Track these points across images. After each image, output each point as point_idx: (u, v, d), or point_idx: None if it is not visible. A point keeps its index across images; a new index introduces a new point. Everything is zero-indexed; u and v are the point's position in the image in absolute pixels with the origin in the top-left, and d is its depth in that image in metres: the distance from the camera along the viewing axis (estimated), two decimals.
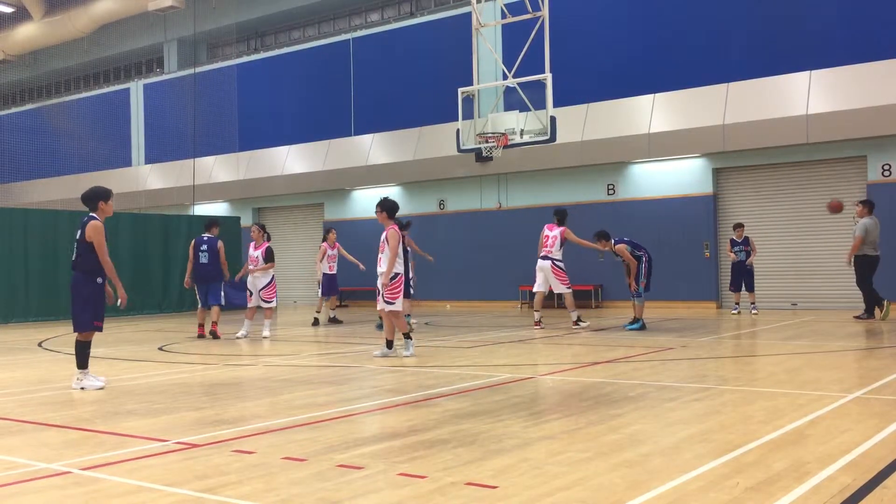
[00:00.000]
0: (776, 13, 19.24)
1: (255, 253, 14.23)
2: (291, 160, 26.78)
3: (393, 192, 25.10)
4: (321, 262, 16.85)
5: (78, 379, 8.22)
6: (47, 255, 20.18)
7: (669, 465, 4.73)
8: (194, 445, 5.44)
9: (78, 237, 8.42)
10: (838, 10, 18.53)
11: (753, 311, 17.11)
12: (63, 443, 5.66)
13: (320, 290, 16.91)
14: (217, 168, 28.75)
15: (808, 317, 16.33)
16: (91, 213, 8.56)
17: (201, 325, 14.16)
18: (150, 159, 32.05)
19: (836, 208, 15.44)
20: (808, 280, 18.92)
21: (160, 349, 12.54)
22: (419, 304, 22.86)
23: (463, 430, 5.74)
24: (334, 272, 16.96)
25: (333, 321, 17.08)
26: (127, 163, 32.78)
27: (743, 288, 17.25)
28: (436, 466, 4.74)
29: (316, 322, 16.71)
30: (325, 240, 17.20)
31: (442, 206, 24.02)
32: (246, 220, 27.84)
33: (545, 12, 16.16)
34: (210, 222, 14.65)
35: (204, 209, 28.69)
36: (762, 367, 9.09)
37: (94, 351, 12.28)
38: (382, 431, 5.94)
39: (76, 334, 8.42)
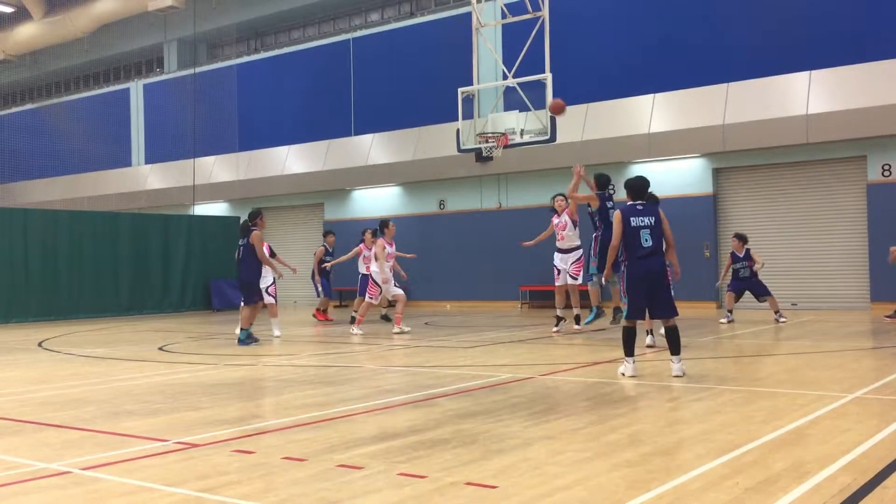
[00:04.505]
0: (776, 13, 19.23)
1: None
2: (291, 160, 26.78)
3: (393, 192, 25.12)
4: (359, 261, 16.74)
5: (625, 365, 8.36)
6: (47, 255, 20.19)
7: (669, 465, 4.73)
8: (194, 445, 5.44)
9: (653, 223, 8.25)
10: (838, 10, 18.53)
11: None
12: (63, 443, 5.66)
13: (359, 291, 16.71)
14: (217, 168, 28.75)
15: (808, 317, 16.33)
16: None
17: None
18: (150, 159, 32.04)
19: (557, 108, 14.72)
20: (808, 280, 18.92)
21: (160, 349, 12.54)
22: (419, 304, 22.88)
23: (463, 430, 5.74)
24: (369, 273, 16.60)
25: (385, 319, 17.19)
26: (127, 163, 32.78)
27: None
28: (436, 466, 4.74)
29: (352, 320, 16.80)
30: (361, 241, 16.91)
31: (442, 206, 24.02)
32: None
33: (545, 12, 16.15)
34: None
35: (204, 209, 28.70)
36: (762, 367, 9.09)
37: (94, 350, 12.32)
38: (382, 431, 5.93)
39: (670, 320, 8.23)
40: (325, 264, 17.52)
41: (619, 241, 8.27)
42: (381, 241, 14.24)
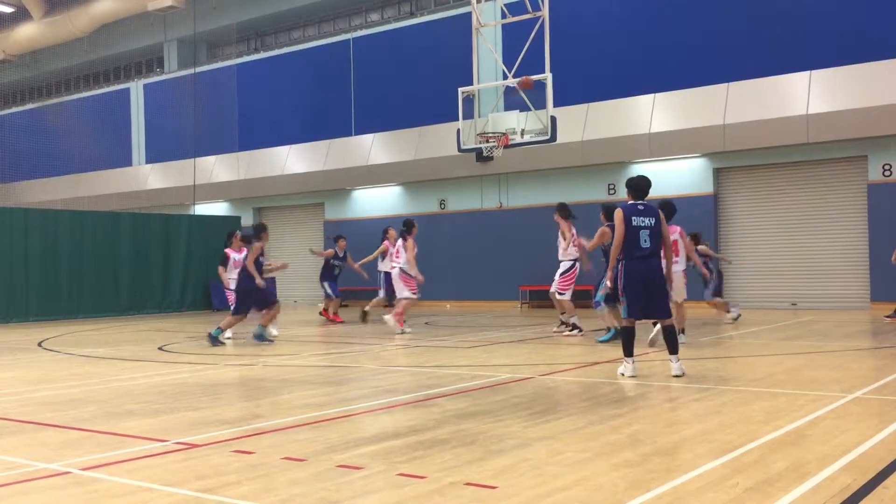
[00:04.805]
0: (776, 13, 19.24)
1: (240, 256, 14.41)
2: (291, 160, 26.78)
3: (393, 192, 25.12)
4: (383, 260, 16.62)
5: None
6: (47, 255, 20.19)
7: (669, 465, 4.73)
8: (194, 445, 5.44)
9: (653, 224, 8.23)
10: (838, 10, 18.53)
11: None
12: (63, 443, 5.66)
13: (383, 290, 16.55)
14: (217, 168, 28.75)
15: (808, 317, 16.33)
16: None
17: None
18: (150, 159, 32.06)
19: (527, 84, 15.46)
20: (808, 280, 18.92)
21: (160, 349, 12.54)
22: (419, 304, 22.85)
23: (463, 430, 5.74)
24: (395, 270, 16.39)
25: (365, 317, 17.19)
26: (127, 163, 32.78)
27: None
28: (436, 466, 4.74)
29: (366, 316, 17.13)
30: (386, 237, 16.78)
31: (442, 206, 24.02)
32: (246, 221, 27.84)
33: (545, 12, 16.15)
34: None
35: (204, 209, 28.71)
36: (762, 367, 9.08)
37: (94, 350, 12.33)
38: (382, 431, 5.93)
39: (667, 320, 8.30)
40: (336, 267, 17.46)
41: (622, 238, 8.21)
42: (411, 240, 14.44)
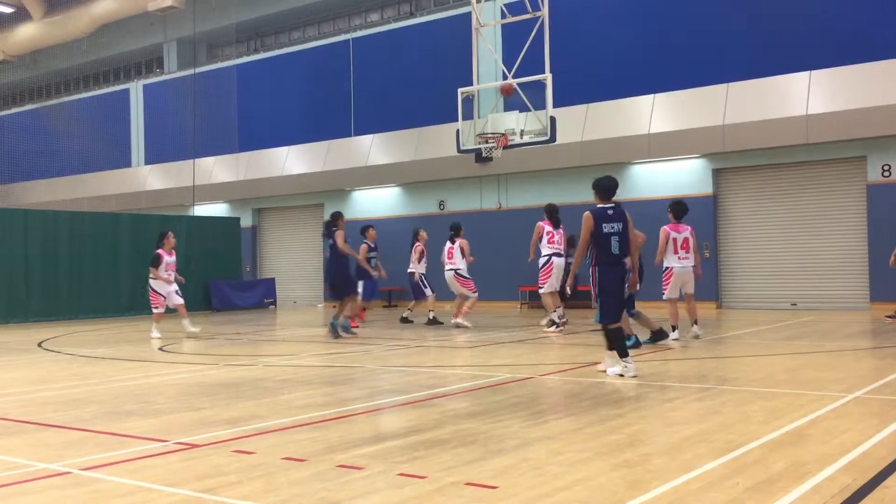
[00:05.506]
0: (776, 13, 19.24)
1: (172, 259, 14.73)
2: (291, 160, 26.78)
3: (393, 192, 25.12)
4: (420, 262, 16.47)
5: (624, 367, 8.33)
6: (47, 256, 20.19)
7: (669, 465, 4.73)
8: (194, 445, 5.44)
9: (621, 230, 8.31)
10: (838, 10, 18.53)
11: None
12: (63, 443, 5.66)
13: (428, 289, 16.41)
14: (217, 168, 28.75)
15: (808, 317, 16.33)
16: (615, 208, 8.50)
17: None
18: (150, 160, 32.04)
19: (507, 91, 16.08)
20: (808, 280, 18.92)
21: (160, 349, 12.54)
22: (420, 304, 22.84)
23: (463, 430, 5.74)
24: (453, 270, 15.79)
25: (433, 322, 16.25)
26: (127, 163, 32.78)
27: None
28: (436, 466, 4.74)
29: (434, 321, 16.16)
30: (417, 240, 16.63)
31: (442, 207, 24.01)
32: (245, 221, 27.87)
33: (545, 12, 16.15)
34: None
35: (204, 209, 28.71)
36: (762, 367, 9.09)
37: (94, 351, 12.33)
38: (383, 431, 5.93)
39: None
40: (372, 259, 16.05)
41: (587, 244, 8.35)
42: (462, 240, 15.51)
